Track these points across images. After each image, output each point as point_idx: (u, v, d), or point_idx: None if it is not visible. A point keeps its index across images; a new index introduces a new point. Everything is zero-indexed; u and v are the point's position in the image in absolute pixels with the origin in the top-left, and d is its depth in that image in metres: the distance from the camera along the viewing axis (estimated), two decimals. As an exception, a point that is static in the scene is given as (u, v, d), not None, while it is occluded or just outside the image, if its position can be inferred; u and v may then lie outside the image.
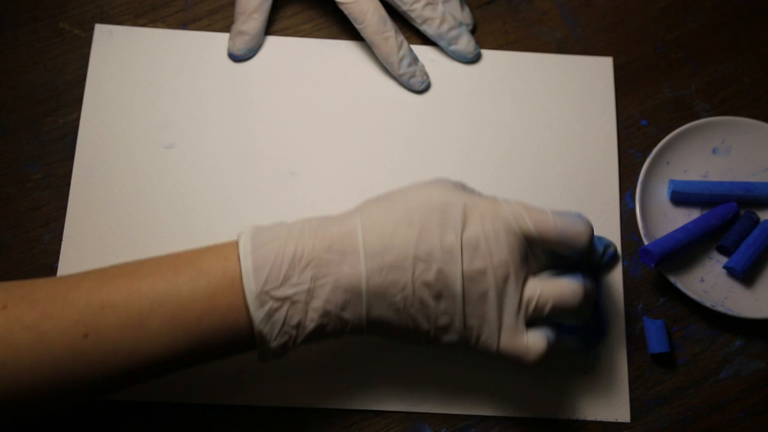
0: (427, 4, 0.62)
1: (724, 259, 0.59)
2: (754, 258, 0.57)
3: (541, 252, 0.50)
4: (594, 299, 0.51)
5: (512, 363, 0.49)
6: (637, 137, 0.62)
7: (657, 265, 0.56)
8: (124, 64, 0.62)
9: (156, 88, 0.62)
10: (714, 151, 0.61)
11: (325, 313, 0.47)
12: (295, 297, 0.46)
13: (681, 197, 0.59)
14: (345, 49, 0.64)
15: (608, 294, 0.58)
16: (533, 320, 0.49)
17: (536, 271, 0.50)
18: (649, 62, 0.64)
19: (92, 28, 0.63)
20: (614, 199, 0.60)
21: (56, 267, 0.57)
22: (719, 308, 0.56)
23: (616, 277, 0.58)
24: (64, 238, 0.58)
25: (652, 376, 0.57)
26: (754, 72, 0.64)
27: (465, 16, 0.64)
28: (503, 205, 0.49)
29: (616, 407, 0.56)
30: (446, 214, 0.48)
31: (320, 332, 0.47)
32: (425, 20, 0.62)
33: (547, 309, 0.48)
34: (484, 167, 0.61)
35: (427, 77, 0.63)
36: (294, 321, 0.46)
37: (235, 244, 0.48)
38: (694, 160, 0.60)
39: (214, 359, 0.48)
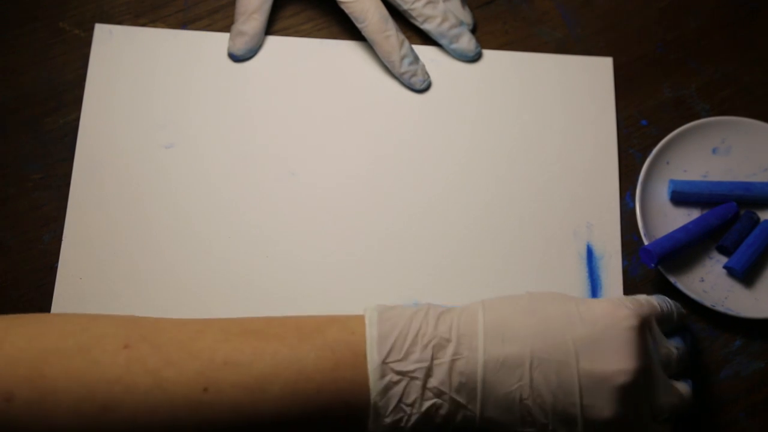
0: (428, 2, 0.62)
1: (724, 259, 0.59)
2: (754, 258, 0.57)
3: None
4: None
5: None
6: (637, 137, 0.62)
7: (657, 265, 0.56)
8: (124, 64, 0.62)
9: (156, 87, 0.62)
10: (714, 151, 0.61)
11: (440, 393, 0.46)
12: (415, 373, 0.45)
13: (681, 197, 0.59)
14: (345, 49, 0.64)
15: (608, 294, 0.58)
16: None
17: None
18: (649, 62, 0.64)
19: (92, 28, 0.63)
20: (614, 199, 0.60)
21: (56, 267, 0.57)
22: (719, 308, 0.56)
23: (615, 276, 0.58)
24: (63, 238, 0.58)
25: (652, 376, 0.57)
26: (754, 72, 0.64)
27: (465, 15, 0.64)
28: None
29: (616, 407, 0.56)
30: (566, 304, 0.47)
31: (433, 414, 0.46)
32: (426, 18, 0.62)
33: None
34: (484, 167, 0.61)
35: (428, 76, 0.63)
36: (410, 398, 0.45)
37: (361, 319, 0.47)
38: (694, 160, 0.60)
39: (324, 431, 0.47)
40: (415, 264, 0.58)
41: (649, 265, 0.56)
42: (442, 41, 0.63)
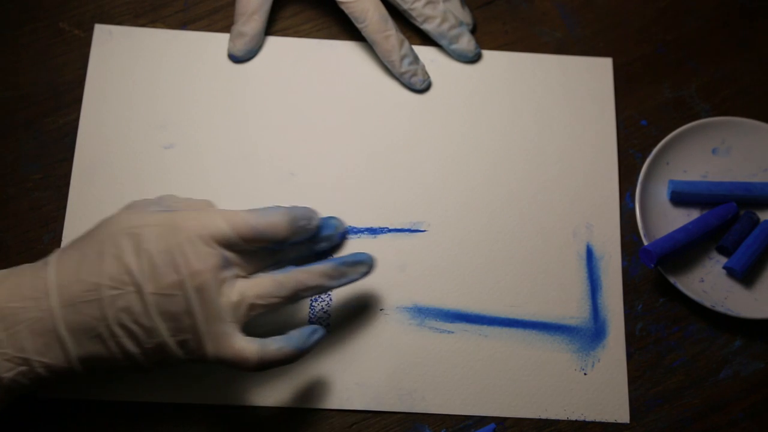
0: (428, 2, 0.62)
1: (723, 259, 0.59)
2: (754, 258, 0.57)
3: (260, 250, 0.51)
4: (307, 285, 0.51)
5: (235, 369, 0.49)
6: (637, 137, 0.62)
7: (657, 266, 0.56)
8: (123, 64, 0.62)
9: (156, 88, 0.62)
10: (714, 151, 0.61)
11: (23, 361, 0.46)
12: None
13: (681, 197, 0.59)
14: (345, 49, 0.64)
15: (608, 294, 0.58)
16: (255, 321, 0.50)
17: (256, 271, 0.51)
18: (649, 62, 0.64)
19: (92, 28, 0.63)
20: (614, 199, 0.60)
21: (56, 267, 0.57)
22: (719, 308, 0.56)
23: (615, 277, 0.58)
24: (63, 238, 0.58)
25: (651, 376, 0.57)
26: (754, 72, 0.64)
27: (465, 15, 0.64)
28: (189, 216, 0.49)
29: (616, 407, 0.56)
30: (132, 237, 0.48)
31: (23, 382, 0.47)
32: (426, 18, 0.62)
33: (257, 310, 0.49)
34: (484, 167, 0.61)
35: (428, 76, 0.63)
36: None
37: None
38: (694, 161, 0.60)
39: None
40: (414, 264, 0.58)
41: (648, 266, 0.56)
42: (442, 42, 0.63)
